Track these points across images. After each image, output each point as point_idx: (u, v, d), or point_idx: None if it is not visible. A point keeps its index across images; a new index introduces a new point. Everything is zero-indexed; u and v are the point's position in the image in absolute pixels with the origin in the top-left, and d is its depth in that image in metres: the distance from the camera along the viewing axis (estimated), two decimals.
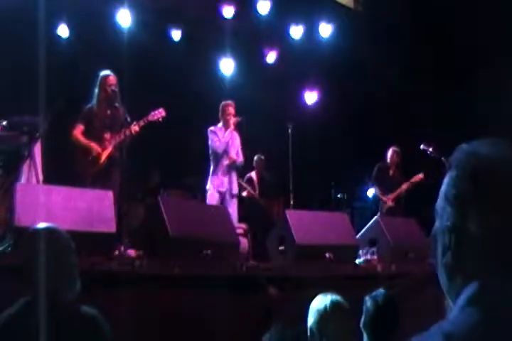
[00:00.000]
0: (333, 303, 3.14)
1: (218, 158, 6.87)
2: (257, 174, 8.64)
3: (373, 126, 9.52)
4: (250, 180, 8.55)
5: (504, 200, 0.96)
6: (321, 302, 3.17)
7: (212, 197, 6.79)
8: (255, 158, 8.72)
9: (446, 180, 1.03)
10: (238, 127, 6.95)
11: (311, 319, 3.16)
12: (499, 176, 0.98)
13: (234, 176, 6.97)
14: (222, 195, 6.81)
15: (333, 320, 3.11)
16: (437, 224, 1.03)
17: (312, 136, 9.31)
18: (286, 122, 7.63)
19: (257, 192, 8.50)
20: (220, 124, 6.98)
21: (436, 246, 1.03)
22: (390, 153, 8.48)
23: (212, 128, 6.95)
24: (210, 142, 6.92)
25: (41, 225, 2.46)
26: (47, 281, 2.25)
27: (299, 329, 3.11)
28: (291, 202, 7.33)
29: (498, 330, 0.90)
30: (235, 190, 6.94)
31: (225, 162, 6.87)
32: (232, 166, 6.92)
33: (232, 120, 6.86)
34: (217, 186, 6.81)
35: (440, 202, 1.03)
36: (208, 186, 6.87)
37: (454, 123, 8.82)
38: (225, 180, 6.83)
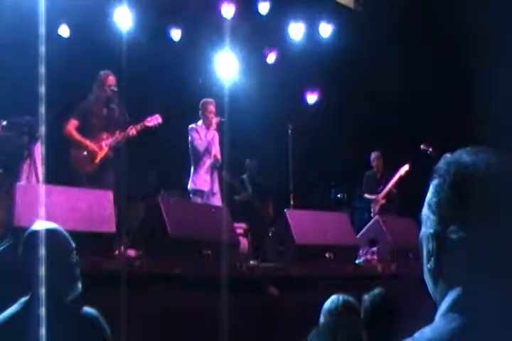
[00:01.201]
0: (344, 303, 3.20)
1: (200, 156, 6.73)
2: (249, 177, 8.66)
3: (373, 126, 9.52)
4: (242, 182, 8.58)
5: (483, 208, 0.98)
6: (332, 302, 3.23)
7: (199, 198, 6.65)
8: (247, 160, 8.74)
9: (430, 189, 1.05)
10: (219, 127, 6.81)
11: (322, 319, 3.22)
12: (479, 185, 0.99)
13: (215, 175, 6.80)
14: (204, 194, 6.68)
15: (343, 319, 3.15)
16: (422, 230, 1.06)
17: (312, 136, 9.31)
18: (286, 122, 7.62)
19: (250, 194, 8.52)
20: (200, 122, 6.85)
21: (422, 252, 1.06)
22: (372, 159, 8.81)
23: (193, 125, 6.82)
24: (190, 140, 6.78)
25: (41, 225, 2.46)
26: (47, 281, 2.25)
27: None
28: (291, 202, 7.32)
29: (476, 336, 0.92)
30: (216, 188, 6.77)
31: (208, 160, 6.72)
32: (216, 165, 6.78)
33: (215, 120, 6.74)
34: (199, 185, 6.68)
35: (424, 210, 1.05)
36: (190, 186, 6.72)
37: (454, 124, 8.83)
38: (208, 179, 6.69)
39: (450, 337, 0.93)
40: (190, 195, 6.75)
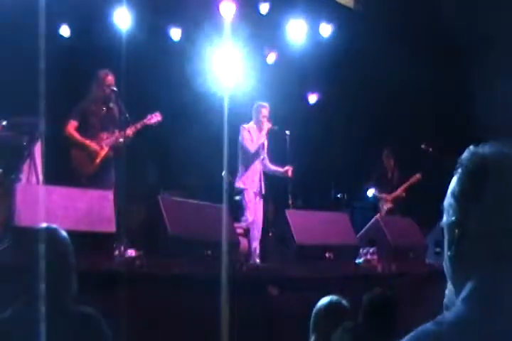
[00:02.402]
0: (331, 303, 3.21)
1: (249, 157, 6.82)
2: None
3: (374, 126, 9.52)
4: None
5: (503, 198, 1.01)
6: (320, 303, 3.25)
7: (248, 197, 6.73)
8: None
9: (454, 179, 1.09)
10: (269, 134, 6.93)
11: (312, 319, 3.24)
12: (500, 175, 1.02)
13: (262, 176, 6.92)
14: (251, 193, 6.77)
15: (328, 319, 3.17)
16: (444, 219, 1.09)
17: (312, 136, 9.31)
18: (286, 122, 7.62)
19: None
20: (251, 123, 6.93)
21: (444, 241, 1.09)
22: (383, 156, 8.81)
23: (245, 125, 6.89)
24: (241, 139, 6.82)
25: (41, 225, 2.46)
26: (46, 281, 2.25)
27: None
28: (291, 202, 7.32)
29: (492, 323, 0.95)
30: (263, 190, 6.91)
31: (257, 162, 6.82)
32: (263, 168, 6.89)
33: (267, 125, 6.81)
34: (247, 185, 6.77)
35: (447, 199, 1.09)
36: (240, 185, 6.79)
37: (454, 124, 8.83)
38: (256, 179, 6.81)
39: (459, 327, 0.95)
40: (243, 194, 6.81)
